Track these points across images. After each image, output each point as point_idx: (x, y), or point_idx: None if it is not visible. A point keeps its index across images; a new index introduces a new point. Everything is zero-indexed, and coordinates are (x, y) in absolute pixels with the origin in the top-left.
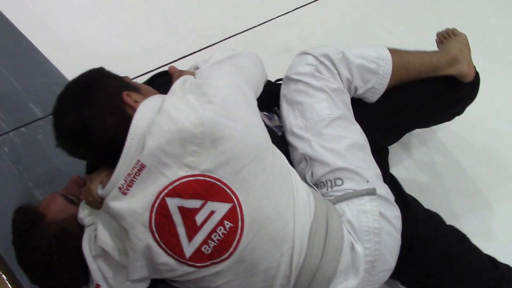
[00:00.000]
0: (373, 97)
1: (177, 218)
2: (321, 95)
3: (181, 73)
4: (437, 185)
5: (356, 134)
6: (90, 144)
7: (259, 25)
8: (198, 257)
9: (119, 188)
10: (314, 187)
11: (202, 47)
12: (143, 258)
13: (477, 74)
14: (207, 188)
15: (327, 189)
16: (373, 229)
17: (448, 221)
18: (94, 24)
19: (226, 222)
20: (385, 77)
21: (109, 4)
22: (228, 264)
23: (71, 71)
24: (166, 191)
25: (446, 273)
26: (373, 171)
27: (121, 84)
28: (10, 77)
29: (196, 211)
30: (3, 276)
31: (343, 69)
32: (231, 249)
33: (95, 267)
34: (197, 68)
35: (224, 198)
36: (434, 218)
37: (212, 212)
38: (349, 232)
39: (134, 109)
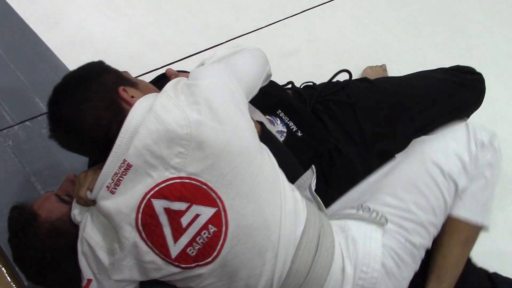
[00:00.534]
0: None
1: (163, 219)
2: None
3: (178, 75)
4: None
5: None
6: (83, 138)
7: (266, 26)
8: (184, 258)
9: (107, 187)
10: (315, 198)
11: (210, 46)
12: (131, 256)
13: (482, 80)
14: (193, 192)
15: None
16: (374, 256)
17: None
18: (103, 21)
19: (210, 226)
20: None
21: (118, 1)
22: (212, 267)
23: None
24: (152, 192)
25: None
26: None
27: (119, 78)
28: (17, 71)
29: (182, 213)
30: (3, 269)
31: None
32: (215, 253)
33: (84, 262)
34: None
35: (210, 202)
36: None
37: (197, 216)
38: (342, 251)
39: (130, 104)
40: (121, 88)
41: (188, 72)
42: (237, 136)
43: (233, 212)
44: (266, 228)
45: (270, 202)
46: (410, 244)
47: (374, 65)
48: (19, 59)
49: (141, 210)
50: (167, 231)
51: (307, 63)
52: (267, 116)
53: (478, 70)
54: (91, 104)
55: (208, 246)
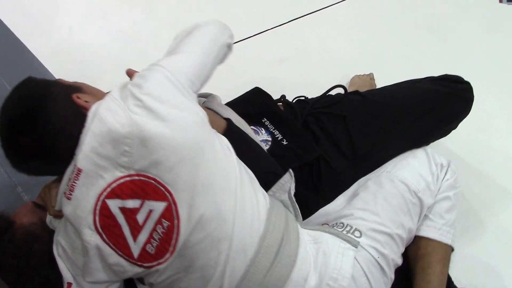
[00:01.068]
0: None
1: (120, 219)
2: None
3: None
4: None
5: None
6: (59, 158)
7: (255, 35)
8: (145, 257)
9: (64, 193)
10: (293, 204)
11: None
12: (97, 260)
13: (471, 89)
14: (143, 188)
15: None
16: (343, 272)
17: None
18: (90, 29)
19: (163, 220)
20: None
21: (106, 9)
22: (170, 261)
23: (65, 75)
24: (105, 193)
25: None
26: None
27: (65, 88)
28: (2, 79)
29: (136, 210)
30: None
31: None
32: (171, 248)
33: (62, 265)
34: None
35: (160, 196)
36: None
37: (151, 211)
38: (310, 261)
39: (87, 109)
40: (74, 96)
41: None
42: (180, 129)
43: (182, 204)
44: (219, 218)
45: (224, 193)
46: (383, 257)
47: (362, 74)
48: (5, 68)
49: (97, 212)
50: (126, 230)
51: (295, 72)
52: (252, 127)
53: (466, 78)
54: (57, 124)
55: (164, 241)
